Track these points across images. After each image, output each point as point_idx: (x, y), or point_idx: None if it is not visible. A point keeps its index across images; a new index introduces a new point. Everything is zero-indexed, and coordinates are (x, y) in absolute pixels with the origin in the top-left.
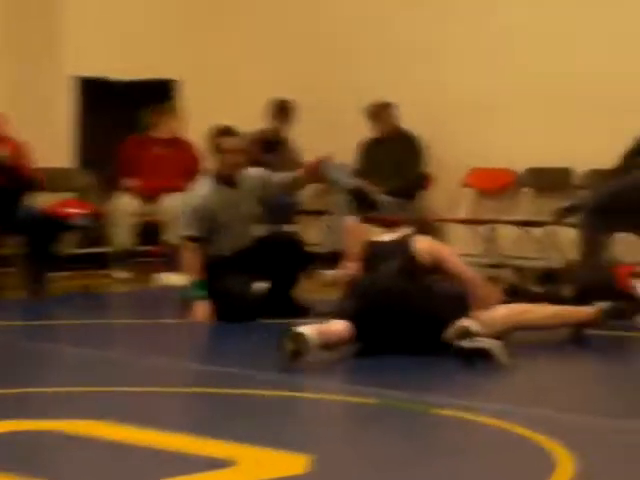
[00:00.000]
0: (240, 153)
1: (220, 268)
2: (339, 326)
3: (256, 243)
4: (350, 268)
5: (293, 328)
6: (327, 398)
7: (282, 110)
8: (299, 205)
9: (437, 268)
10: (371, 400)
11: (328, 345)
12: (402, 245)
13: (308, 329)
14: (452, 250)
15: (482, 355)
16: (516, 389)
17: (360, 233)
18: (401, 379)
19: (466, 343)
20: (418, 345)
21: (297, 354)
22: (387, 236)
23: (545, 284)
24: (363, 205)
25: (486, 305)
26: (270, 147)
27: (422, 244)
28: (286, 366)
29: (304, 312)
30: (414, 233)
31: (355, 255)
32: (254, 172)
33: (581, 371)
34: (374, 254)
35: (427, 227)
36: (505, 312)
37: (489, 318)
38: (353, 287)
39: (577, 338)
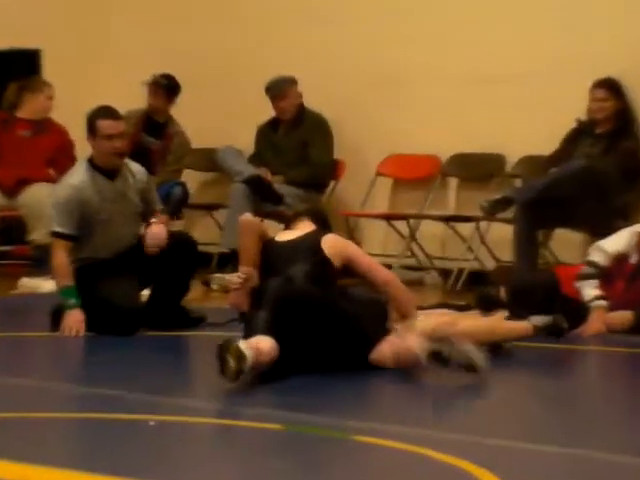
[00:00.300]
0: (121, 138)
1: (96, 272)
2: (268, 344)
3: (139, 243)
4: (248, 272)
5: (233, 342)
6: (224, 423)
7: (163, 87)
8: (187, 197)
9: (347, 271)
10: (276, 425)
11: (257, 366)
12: (308, 245)
13: (245, 345)
14: (361, 249)
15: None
16: (442, 412)
17: (257, 231)
18: (314, 401)
19: (446, 348)
20: (340, 360)
21: (239, 374)
22: (288, 234)
23: (475, 288)
24: (264, 197)
25: (408, 311)
26: (153, 130)
27: (330, 243)
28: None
29: (195, 323)
30: (319, 230)
31: (251, 257)
32: (136, 168)
33: (508, 389)
34: (275, 256)
35: (327, 222)
36: (433, 323)
37: (418, 329)
38: (261, 296)
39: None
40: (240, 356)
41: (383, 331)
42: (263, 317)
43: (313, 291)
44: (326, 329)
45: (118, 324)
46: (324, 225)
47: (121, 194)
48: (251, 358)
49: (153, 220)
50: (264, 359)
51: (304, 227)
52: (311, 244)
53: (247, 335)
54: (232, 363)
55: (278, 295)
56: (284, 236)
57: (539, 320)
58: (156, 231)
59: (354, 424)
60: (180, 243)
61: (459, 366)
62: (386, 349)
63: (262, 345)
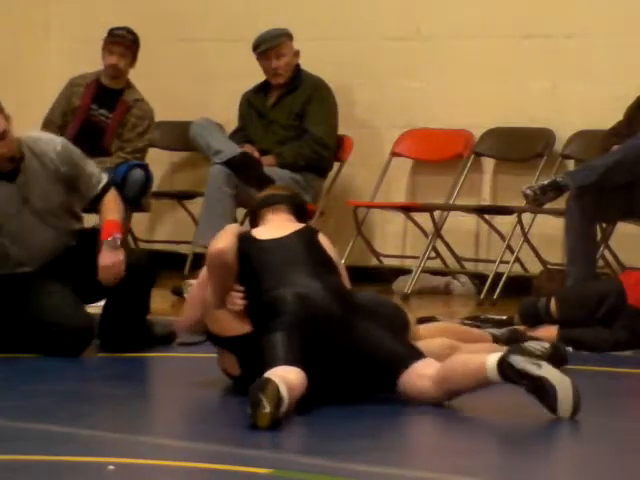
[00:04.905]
0: (3, 140)
1: (20, 286)
2: (297, 376)
3: (80, 244)
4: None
5: (272, 382)
6: (199, 466)
7: (130, 44)
8: (150, 183)
9: None
10: (264, 470)
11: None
12: (309, 247)
13: (284, 391)
14: None
15: (543, 390)
16: (455, 450)
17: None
18: (310, 439)
19: (530, 366)
20: (363, 387)
21: (275, 421)
22: (270, 230)
23: (516, 298)
24: (250, 181)
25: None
26: (106, 100)
27: (328, 246)
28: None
29: (160, 342)
30: (309, 227)
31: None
32: (43, 148)
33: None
34: (266, 260)
35: (305, 213)
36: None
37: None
38: (274, 311)
39: None
40: (279, 399)
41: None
42: (286, 342)
43: (340, 310)
44: (351, 352)
45: (59, 341)
46: (301, 217)
47: (29, 195)
48: (287, 401)
49: (106, 242)
50: (296, 395)
51: (281, 219)
52: (312, 246)
53: (266, 365)
54: (268, 407)
55: (306, 315)
56: (266, 233)
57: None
58: (108, 263)
59: (357, 468)
60: (133, 268)
61: (529, 380)
62: (428, 370)
63: (292, 378)
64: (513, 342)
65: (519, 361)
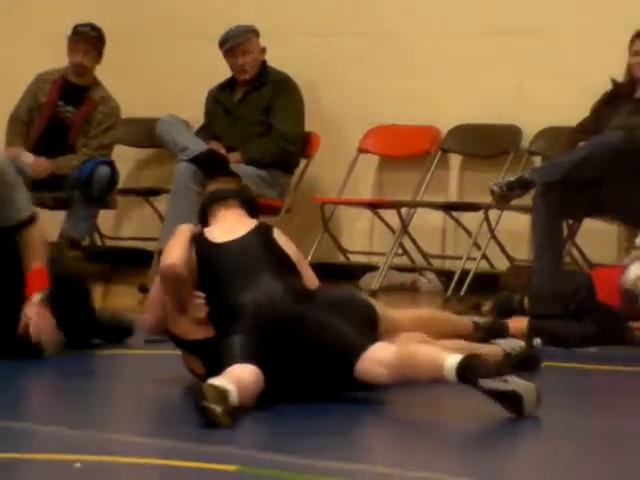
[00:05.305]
0: None
1: None
2: (251, 374)
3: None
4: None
5: (204, 384)
6: (166, 463)
7: (94, 40)
8: (116, 180)
9: None
10: (230, 466)
11: (242, 404)
12: (265, 246)
13: (227, 383)
14: None
15: (511, 400)
16: (423, 447)
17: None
18: (278, 436)
19: (498, 384)
20: (321, 382)
21: (233, 415)
22: (224, 231)
23: (481, 295)
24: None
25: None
26: (72, 96)
27: (284, 242)
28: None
29: (116, 337)
30: (263, 224)
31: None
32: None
33: (537, 429)
34: (225, 264)
35: (256, 207)
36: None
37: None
38: (234, 314)
39: None
40: (221, 394)
41: (372, 339)
42: (243, 343)
43: (300, 310)
44: (310, 350)
45: (20, 343)
46: (253, 212)
47: None
48: (234, 392)
49: (34, 299)
50: (249, 394)
51: (234, 215)
52: (269, 245)
53: (222, 366)
54: (217, 407)
55: (265, 318)
56: (222, 234)
57: (509, 345)
58: (37, 322)
59: (325, 464)
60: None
61: (497, 396)
62: (383, 354)
63: (244, 377)
64: (494, 332)
65: (489, 383)
